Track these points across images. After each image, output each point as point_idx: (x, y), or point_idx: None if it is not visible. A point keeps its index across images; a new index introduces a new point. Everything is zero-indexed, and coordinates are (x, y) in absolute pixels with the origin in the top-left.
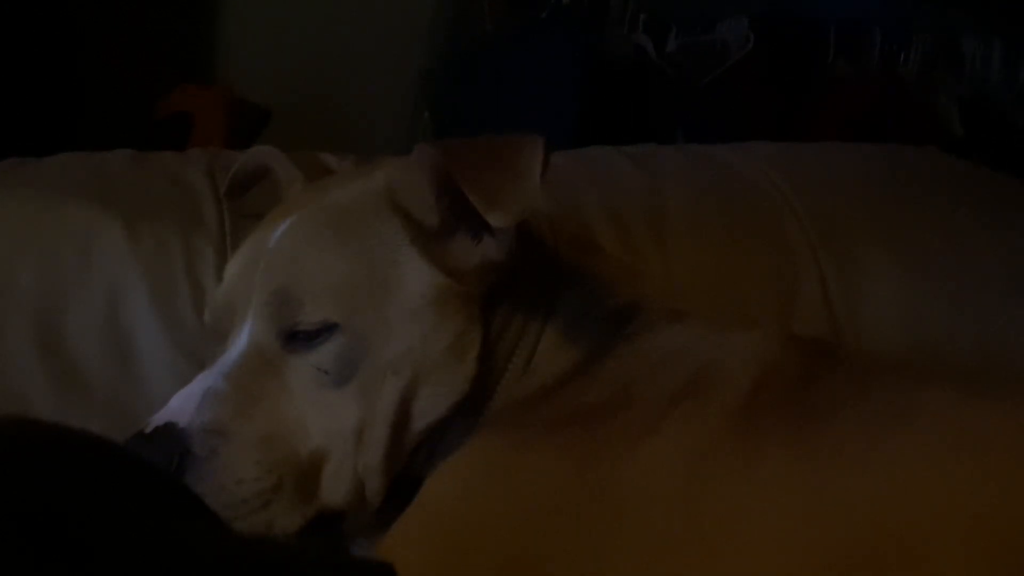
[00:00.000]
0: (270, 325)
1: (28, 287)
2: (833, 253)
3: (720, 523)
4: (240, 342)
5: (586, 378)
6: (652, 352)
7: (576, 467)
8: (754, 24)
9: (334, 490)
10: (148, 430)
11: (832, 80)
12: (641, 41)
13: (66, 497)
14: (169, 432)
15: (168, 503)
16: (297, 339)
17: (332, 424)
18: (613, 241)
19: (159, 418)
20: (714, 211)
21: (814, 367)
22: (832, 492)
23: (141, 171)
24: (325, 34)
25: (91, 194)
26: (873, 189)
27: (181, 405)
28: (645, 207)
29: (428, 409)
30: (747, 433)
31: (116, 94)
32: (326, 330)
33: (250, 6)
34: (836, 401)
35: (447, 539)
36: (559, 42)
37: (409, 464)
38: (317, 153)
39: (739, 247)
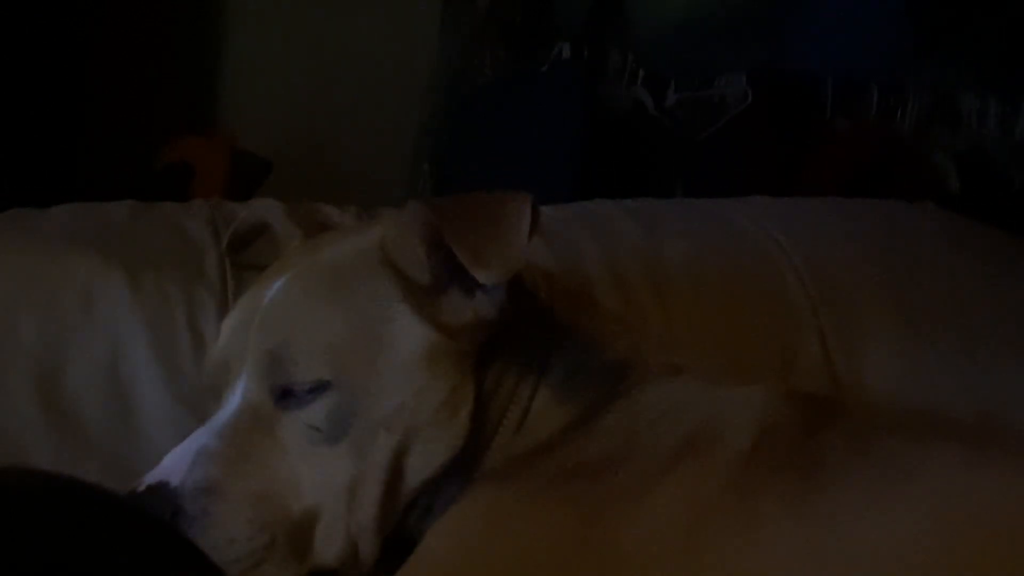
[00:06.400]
0: (263, 383)
1: (29, 337)
2: (833, 308)
3: None
4: (234, 400)
5: (584, 433)
6: (651, 407)
7: (578, 524)
8: (752, 79)
9: (327, 548)
10: (140, 489)
11: (830, 135)
12: (640, 95)
13: (67, 547)
14: (161, 491)
15: (168, 554)
16: (290, 396)
17: (325, 481)
18: (613, 296)
19: (151, 477)
20: (714, 266)
21: (814, 424)
22: (830, 557)
23: (143, 222)
24: (326, 85)
25: (93, 245)
26: (872, 244)
27: (173, 464)
28: (645, 262)
29: (421, 466)
30: (747, 494)
31: (117, 144)
32: (319, 388)
33: (252, 57)
34: (836, 461)
35: None
36: (559, 95)
37: (403, 522)
38: (318, 204)
39: (739, 302)
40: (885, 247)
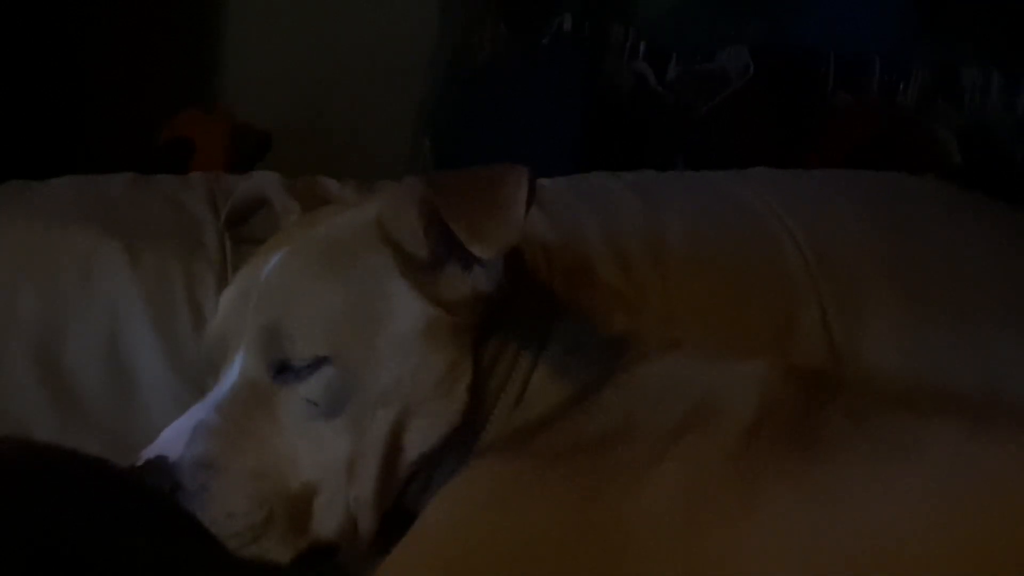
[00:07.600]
0: (261, 358)
1: (28, 311)
2: (833, 281)
3: (719, 563)
4: (231, 375)
5: (583, 409)
6: (650, 383)
7: (578, 500)
8: (754, 53)
9: (326, 523)
10: (139, 463)
11: (832, 109)
12: (641, 68)
13: (68, 519)
14: (159, 466)
15: (169, 527)
16: (288, 372)
17: (323, 456)
18: (612, 269)
19: (150, 451)
20: (713, 238)
21: (815, 399)
22: (832, 531)
23: (142, 195)
24: (327, 59)
25: (92, 218)
26: (873, 216)
27: (172, 438)
28: (644, 234)
29: (419, 441)
30: (748, 470)
31: (118, 118)
32: (316, 363)
33: (252, 31)
34: (837, 436)
35: (445, 567)
36: (559, 69)
37: (402, 497)
38: (317, 177)
39: (739, 274)
40: (886, 219)
